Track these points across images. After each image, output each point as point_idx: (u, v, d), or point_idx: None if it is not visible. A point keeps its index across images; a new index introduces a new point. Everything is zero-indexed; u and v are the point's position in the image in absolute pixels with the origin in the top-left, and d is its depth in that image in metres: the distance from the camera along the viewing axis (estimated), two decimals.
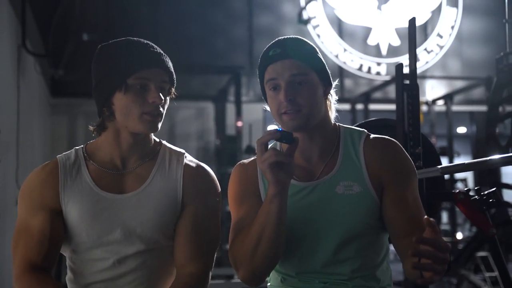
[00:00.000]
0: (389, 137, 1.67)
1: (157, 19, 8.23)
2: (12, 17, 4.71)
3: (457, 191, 2.11)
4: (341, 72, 8.86)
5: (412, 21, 2.19)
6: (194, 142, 8.40)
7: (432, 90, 9.10)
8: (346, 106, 8.41)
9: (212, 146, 8.25)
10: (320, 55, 1.65)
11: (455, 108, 8.57)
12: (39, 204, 1.56)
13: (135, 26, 8.00)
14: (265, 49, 1.63)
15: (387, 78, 8.41)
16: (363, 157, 1.61)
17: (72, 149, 1.66)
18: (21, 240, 1.56)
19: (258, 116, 8.20)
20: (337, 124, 1.69)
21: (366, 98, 8.22)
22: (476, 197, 2.09)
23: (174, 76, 1.61)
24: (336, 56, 8.81)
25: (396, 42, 9.06)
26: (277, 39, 1.64)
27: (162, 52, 1.59)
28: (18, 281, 1.52)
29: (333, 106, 1.69)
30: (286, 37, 1.65)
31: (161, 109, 1.56)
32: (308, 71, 1.58)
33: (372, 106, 8.36)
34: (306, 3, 8.46)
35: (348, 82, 8.94)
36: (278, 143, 1.65)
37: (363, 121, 2.26)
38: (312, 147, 1.62)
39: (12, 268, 1.56)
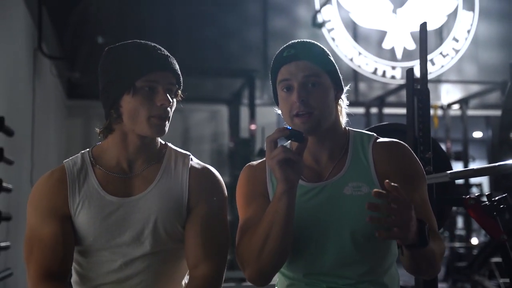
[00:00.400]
0: (398, 140, 1.67)
1: (172, 22, 8.27)
2: (28, 21, 4.76)
3: (468, 196, 2.10)
4: (356, 76, 8.84)
5: (424, 26, 2.19)
6: (208, 144, 8.43)
7: (448, 94, 9.03)
8: (361, 110, 8.38)
9: (225, 149, 8.27)
10: (332, 59, 1.66)
11: (470, 112, 8.50)
12: (50, 212, 1.57)
13: (149, 30, 8.04)
14: (278, 51, 1.65)
15: (402, 82, 8.36)
16: (372, 158, 1.61)
17: (79, 153, 1.67)
18: (34, 248, 1.56)
19: (271, 119, 8.19)
20: (347, 128, 1.70)
21: (381, 102, 8.19)
22: (487, 202, 2.08)
23: (181, 78, 1.62)
24: (351, 60, 8.79)
25: (411, 46, 9.02)
26: (291, 41, 1.66)
27: (169, 54, 1.60)
28: None
29: (344, 111, 1.70)
30: (300, 40, 1.66)
31: (169, 111, 1.57)
32: (321, 73, 1.59)
33: (387, 110, 8.32)
34: (321, 7, 8.45)
35: (362, 86, 8.91)
36: (289, 142, 1.65)
37: (373, 126, 2.26)
38: (322, 150, 1.63)
39: (27, 277, 1.57)
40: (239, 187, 1.68)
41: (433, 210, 2.12)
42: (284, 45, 1.66)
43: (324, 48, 1.67)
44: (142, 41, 1.61)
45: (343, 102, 1.69)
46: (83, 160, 1.64)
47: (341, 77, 1.68)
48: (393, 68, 8.98)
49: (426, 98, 2.15)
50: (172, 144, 1.72)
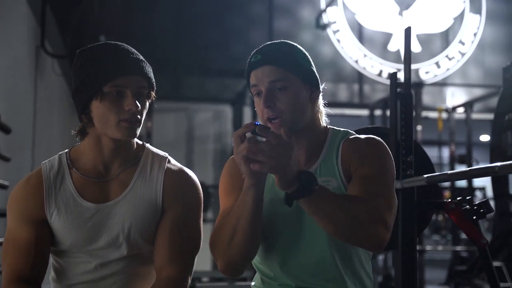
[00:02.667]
0: (374, 137, 1.67)
1: (176, 22, 8.30)
2: (30, 19, 4.81)
3: (449, 200, 2.11)
4: (361, 78, 8.83)
5: (408, 31, 2.20)
6: (212, 144, 8.45)
7: (453, 98, 9.01)
8: (365, 112, 8.38)
9: (229, 148, 8.29)
10: (306, 59, 1.65)
11: (475, 116, 8.47)
12: (26, 217, 1.59)
13: (153, 29, 8.09)
14: (250, 55, 1.66)
15: None
16: (340, 153, 1.63)
17: (56, 155, 1.67)
18: (9, 251, 1.59)
19: None
20: (328, 127, 1.71)
21: (385, 104, 8.18)
22: (467, 207, 2.09)
23: (153, 80, 1.62)
24: (356, 62, 8.79)
25: (417, 48, 9.00)
26: (262, 45, 1.65)
27: (141, 57, 1.59)
28: None
29: (323, 109, 1.70)
30: (269, 42, 1.67)
31: (138, 116, 1.56)
32: (289, 76, 1.59)
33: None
34: (326, 7, 8.46)
35: (367, 88, 8.91)
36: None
37: (357, 129, 2.27)
38: (298, 148, 1.63)
39: (2, 279, 1.60)
40: (221, 178, 1.71)
41: (415, 215, 2.15)
42: (255, 50, 1.66)
43: (297, 47, 1.66)
44: (114, 43, 1.59)
45: (320, 100, 1.69)
46: (60, 163, 1.64)
47: (317, 76, 1.67)
48: (399, 70, 8.97)
49: (409, 102, 2.16)
50: (175, 143, 1.71)
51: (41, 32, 5.12)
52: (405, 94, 2.16)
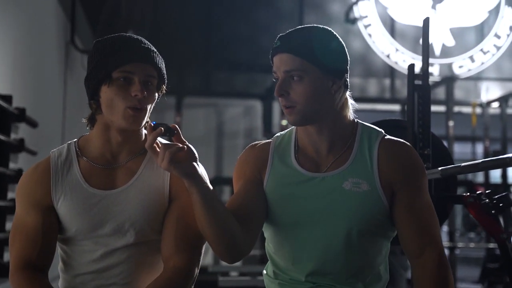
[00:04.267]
0: (404, 141, 1.65)
1: (205, 17, 8.33)
2: (60, 14, 4.88)
3: (467, 194, 2.07)
4: (392, 72, 8.72)
5: (426, 22, 2.16)
6: (242, 140, 8.46)
7: (487, 92, 8.83)
8: (396, 107, 8.27)
9: None
10: (330, 48, 1.58)
11: (510, 111, 8.28)
12: (33, 202, 1.61)
13: (181, 24, 8.13)
14: None
15: (438, 79, 8.21)
16: (376, 156, 1.59)
17: (65, 143, 1.70)
18: (17, 237, 1.62)
19: None
20: (355, 120, 1.67)
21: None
22: (487, 201, 2.04)
23: (164, 72, 1.63)
24: (388, 56, 8.67)
25: (451, 42, 8.84)
26: (288, 30, 1.61)
27: (152, 48, 1.62)
28: (11, 278, 1.59)
29: (350, 100, 1.65)
30: (298, 27, 1.62)
31: (144, 104, 1.58)
32: (306, 66, 1.54)
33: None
34: (357, 1, 8.37)
35: (398, 83, 8.79)
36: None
37: (374, 121, 2.24)
38: (321, 140, 1.61)
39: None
40: (236, 164, 1.71)
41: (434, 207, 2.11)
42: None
43: (326, 33, 1.60)
44: (129, 34, 1.64)
45: (345, 91, 1.63)
46: (68, 150, 1.67)
47: (342, 66, 1.60)
48: (431, 64, 8.82)
49: (426, 94, 2.12)
50: (205, 139, 1.73)
51: (71, 28, 5.20)
52: (423, 86, 2.12)
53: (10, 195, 3.23)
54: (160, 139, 1.54)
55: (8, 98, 3.13)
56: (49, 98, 4.61)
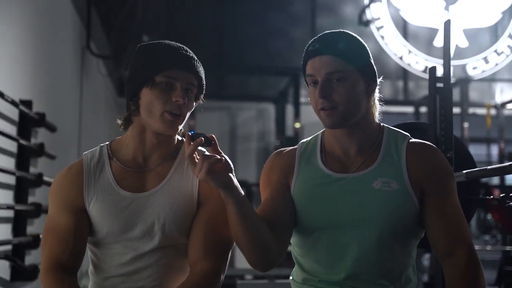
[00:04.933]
0: (431, 144, 1.66)
1: (218, 21, 8.36)
2: (76, 20, 4.92)
3: (491, 197, 2.06)
4: (405, 74, 8.70)
5: (448, 24, 2.15)
6: (255, 142, 8.48)
7: (502, 93, 8.78)
8: (410, 109, 8.25)
9: (272, 147, 8.30)
10: (365, 50, 1.62)
11: None
12: (65, 204, 1.64)
13: (195, 28, 8.16)
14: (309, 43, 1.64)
15: (453, 80, 8.18)
16: (405, 157, 1.60)
17: (98, 146, 1.73)
18: (49, 237, 1.64)
19: (316, 118, 8.19)
20: (381, 124, 1.69)
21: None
22: (511, 203, 2.03)
23: (204, 82, 1.66)
24: (401, 58, 8.65)
25: (464, 43, 8.80)
26: (321, 34, 1.63)
27: (195, 57, 1.64)
28: (42, 277, 1.61)
29: (377, 103, 1.67)
30: (328, 31, 1.64)
31: (183, 110, 1.60)
32: (346, 68, 1.56)
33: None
34: (369, 3, 8.36)
35: (411, 85, 8.76)
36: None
37: (396, 124, 2.23)
38: (351, 142, 1.63)
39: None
40: (262, 173, 1.73)
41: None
42: (313, 38, 1.64)
43: (356, 37, 1.63)
44: (172, 42, 1.66)
45: (376, 94, 1.66)
46: (101, 153, 1.69)
47: (375, 69, 1.64)
48: None
49: (448, 97, 2.12)
50: (218, 142, 1.76)
51: (87, 33, 5.24)
52: (444, 89, 2.11)
53: (30, 199, 3.25)
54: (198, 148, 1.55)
55: (28, 103, 3.15)
56: (66, 102, 4.65)
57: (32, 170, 3.28)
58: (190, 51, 1.65)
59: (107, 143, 1.73)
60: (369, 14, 8.52)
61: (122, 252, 1.62)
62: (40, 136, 3.52)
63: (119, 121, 1.69)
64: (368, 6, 8.40)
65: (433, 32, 8.85)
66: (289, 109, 7.91)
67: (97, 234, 1.64)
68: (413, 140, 1.65)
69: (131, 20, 5.61)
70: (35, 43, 3.55)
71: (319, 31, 8.42)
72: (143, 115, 1.62)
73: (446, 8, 8.88)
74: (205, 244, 1.60)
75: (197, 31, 8.12)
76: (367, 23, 8.45)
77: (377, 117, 1.67)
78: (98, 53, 5.65)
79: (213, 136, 1.52)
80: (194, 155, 1.50)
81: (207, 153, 1.56)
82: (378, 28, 8.64)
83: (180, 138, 1.73)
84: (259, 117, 8.61)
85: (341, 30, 1.63)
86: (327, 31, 1.64)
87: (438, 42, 8.86)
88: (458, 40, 8.85)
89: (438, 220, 1.57)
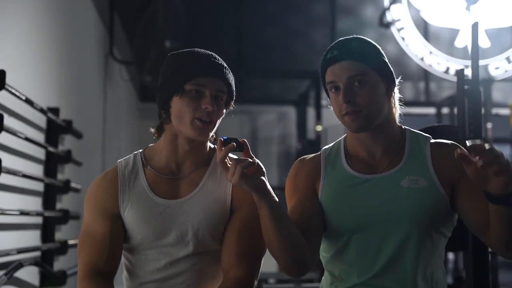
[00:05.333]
0: (453, 142, 1.69)
1: (239, 25, 8.37)
2: (100, 26, 4.97)
3: None
4: (426, 75, 8.64)
5: (475, 26, 2.14)
6: (276, 146, 8.47)
7: None
8: (431, 110, 8.18)
9: (293, 150, 8.29)
10: (380, 52, 1.67)
11: None
12: (101, 211, 1.67)
13: (216, 33, 8.19)
14: (325, 51, 1.67)
15: None
16: (430, 155, 1.63)
17: (132, 153, 1.76)
18: (85, 244, 1.67)
19: (337, 120, 8.17)
20: (402, 126, 1.72)
21: (452, 101, 7.96)
22: None
23: (233, 89, 1.67)
24: (422, 59, 8.59)
25: (486, 43, 8.71)
26: (336, 41, 1.68)
27: (224, 64, 1.67)
28: (79, 284, 1.64)
29: (398, 104, 1.71)
30: (342, 38, 1.68)
31: (213, 117, 1.62)
32: (367, 71, 1.60)
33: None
34: (390, 5, 8.32)
35: (433, 86, 8.70)
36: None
37: (423, 127, 2.22)
38: (376, 144, 1.66)
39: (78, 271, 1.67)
40: (287, 179, 1.75)
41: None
42: (330, 45, 1.68)
43: (370, 41, 1.68)
44: (201, 50, 1.69)
45: (396, 95, 1.70)
46: (135, 160, 1.72)
47: (392, 70, 1.68)
48: (466, 67, 8.70)
49: (477, 99, 2.11)
50: None
51: (110, 39, 5.29)
52: (473, 91, 2.10)
53: (58, 205, 3.29)
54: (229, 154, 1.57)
55: (55, 111, 3.19)
56: (91, 109, 4.70)
57: (59, 176, 3.32)
58: (219, 58, 1.68)
59: (140, 150, 1.76)
60: (389, 16, 8.48)
61: (156, 258, 1.64)
62: (67, 142, 3.56)
63: (152, 130, 1.71)
64: (388, 8, 8.37)
65: (454, 32, 8.79)
66: (310, 112, 7.90)
67: (131, 241, 1.66)
68: (435, 140, 1.68)
69: (153, 25, 5.65)
70: (61, 49, 3.60)
71: (339, 33, 8.45)
72: (174, 122, 1.64)
73: (468, 8, 8.81)
74: (238, 251, 1.61)
75: (217, 34, 8.15)
76: (387, 25, 8.42)
77: (397, 117, 1.71)
78: (120, 59, 5.69)
79: (245, 140, 1.53)
80: (226, 160, 1.51)
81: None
82: (399, 30, 8.60)
83: (212, 145, 1.75)
84: (280, 120, 8.61)
85: (354, 35, 1.68)
86: (341, 38, 1.68)
87: (459, 42, 8.79)
88: (480, 40, 8.77)
89: (472, 200, 1.57)
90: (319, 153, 1.76)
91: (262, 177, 1.52)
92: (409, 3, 8.68)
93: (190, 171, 1.69)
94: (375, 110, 1.60)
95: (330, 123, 7.79)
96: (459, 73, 2.14)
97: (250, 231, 1.62)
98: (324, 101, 7.91)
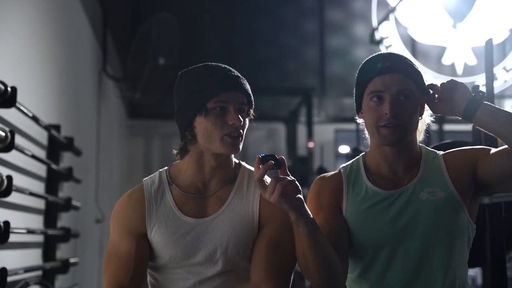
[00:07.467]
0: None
1: (230, 43, 8.39)
2: (94, 44, 4.94)
3: None
4: None
5: (489, 42, 2.16)
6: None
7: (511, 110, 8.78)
8: (434, 127, 8.22)
9: None
10: (421, 74, 1.70)
11: None
12: (127, 229, 1.64)
13: (208, 50, 8.20)
14: (367, 60, 1.68)
15: None
16: (445, 166, 1.66)
17: (157, 172, 1.73)
18: (110, 262, 1.64)
19: (329, 137, 8.19)
20: (419, 144, 1.74)
21: (441, 118, 8.00)
22: None
23: (252, 97, 1.66)
24: None
25: (473, 61, 8.83)
26: (380, 52, 1.69)
27: (239, 75, 1.65)
28: None
29: (422, 125, 1.73)
30: (391, 52, 1.71)
31: (241, 130, 1.60)
32: (413, 87, 1.63)
33: (447, 127, 8.14)
34: (379, 24, 8.40)
35: None
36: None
37: (438, 143, 2.24)
38: (399, 161, 1.67)
39: None
40: (308, 198, 1.73)
41: (503, 230, 2.10)
42: (374, 55, 1.69)
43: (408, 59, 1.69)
44: (213, 63, 1.66)
45: (425, 114, 1.71)
46: (160, 179, 1.70)
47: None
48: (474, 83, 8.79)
49: None
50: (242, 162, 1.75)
51: (103, 57, 5.26)
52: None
53: (59, 223, 3.23)
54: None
55: (57, 128, 3.15)
56: (87, 126, 4.65)
57: (60, 194, 3.26)
58: (234, 70, 1.65)
59: (165, 168, 1.73)
60: (377, 34, 8.56)
61: (185, 277, 1.61)
62: (66, 160, 3.51)
63: (175, 152, 1.68)
64: (377, 28, 8.44)
65: (442, 50, 8.89)
66: (301, 129, 7.91)
67: (159, 260, 1.63)
68: (444, 152, 1.71)
69: (146, 43, 5.64)
70: (60, 67, 3.57)
71: (329, 51, 8.48)
72: (202, 142, 1.61)
73: (454, 26, 8.93)
74: (267, 267, 1.59)
75: (209, 51, 8.15)
76: (379, 42, 8.49)
77: (420, 138, 1.73)
78: (114, 76, 5.66)
79: (283, 158, 1.51)
80: (264, 179, 1.50)
81: (267, 177, 1.55)
82: (387, 47, 8.67)
83: (237, 161, 1.73)
84: (270, 137, 8.61)
85: (397, 52, 1.70)
86: (387, 52, 1.69)
87: (447, 60, 8.89)
88: (467, 57, 8.88)
89: (490, 157, 1.62)
90: (337, 171, 1.76)
91: (299, 195, 1.50)
92: (396, 21, 8.77)
93: (217, 189, 1.66)
94: (412, 126, 1.63)
95: (320, 140, 7.80)
96: (474, 88, 2.14)
97: (279, 248, 1.60)
98: (316, 118, 7.93)
